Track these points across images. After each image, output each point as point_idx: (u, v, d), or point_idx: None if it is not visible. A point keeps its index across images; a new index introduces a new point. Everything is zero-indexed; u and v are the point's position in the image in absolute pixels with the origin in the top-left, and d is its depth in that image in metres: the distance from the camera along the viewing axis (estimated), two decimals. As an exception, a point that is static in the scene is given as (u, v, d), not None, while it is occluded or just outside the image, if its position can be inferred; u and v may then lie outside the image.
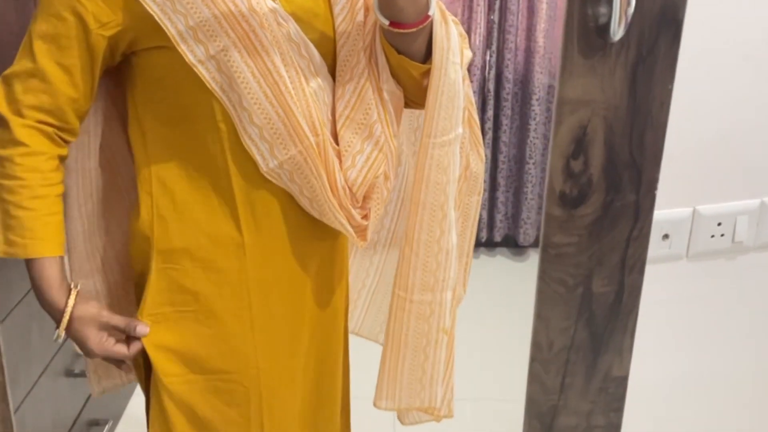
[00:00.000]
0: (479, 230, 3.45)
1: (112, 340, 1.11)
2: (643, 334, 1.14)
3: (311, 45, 1.08)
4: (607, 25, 0.86)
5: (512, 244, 3.51)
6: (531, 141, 3.38)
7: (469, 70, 3.14)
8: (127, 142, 1.18)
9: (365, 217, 1.18)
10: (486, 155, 3.28)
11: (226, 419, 1.15)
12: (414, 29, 1.04)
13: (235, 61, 1.02)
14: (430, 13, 1.01)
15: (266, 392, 1.17)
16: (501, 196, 3.38)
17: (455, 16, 3.30)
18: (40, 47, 1.02)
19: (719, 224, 1.16)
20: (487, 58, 3.16)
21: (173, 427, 1.15)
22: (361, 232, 1.18)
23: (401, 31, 1.05)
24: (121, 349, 1.11)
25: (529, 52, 3.16)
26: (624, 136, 0.93)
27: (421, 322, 1.20)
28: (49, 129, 1.05)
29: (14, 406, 1.12)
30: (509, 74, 3.16)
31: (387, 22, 1.03)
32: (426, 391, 1.23)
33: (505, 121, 3.25)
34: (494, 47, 3.14)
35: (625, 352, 1.03)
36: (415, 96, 1.16)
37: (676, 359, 1.22)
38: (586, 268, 0.99)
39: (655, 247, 1.11)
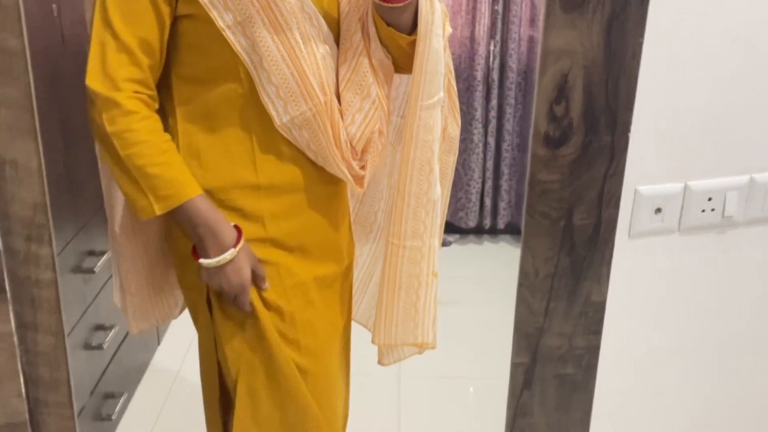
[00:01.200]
0: (483, 217, 3.55)
1: None
2: (636, 304, 1.21)
3: (320, 16, 1.21)
4: (585, -17, 0.98)
5: (515, 231, 3.61)
6: (534, 130, 3.48)
7: (473, 59, 3.25)
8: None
9: (363, 167, 1.32)
10: (490, 143, 3.39)
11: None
12: (401, 4, 1.18)
13: (258, 28, 1.15)
14: None
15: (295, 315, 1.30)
16: (504, 184, 3.47)
17: (460, 6, 3.41)
18: (120, 26, 1.13)
19: (710, 199, 1.18)
20: (491, 48, 3.25)
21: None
22: (359, 180, 1.32)
23: (390, 5, 1.18)
24: (248, 305, 1.25)
25: (532, 42, 3.25)
26: (600, 83, 1.03)
27: (413, 265, 1.32)
28: (144, 96, 1.17)
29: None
30: (513, 64, 3.26)
31: None
32: (419, 328, 1.36)
33: (509, 110, 3.35)
34: (498, 37, 3.23)
35: (602, 279, 1.12)
36: (403, 63, 1.30)
37: (667, 329, 1.25)
38: (568, 202, 1.09)
39: (648, 220, 1.16)
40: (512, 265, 1.17)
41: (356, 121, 1.27)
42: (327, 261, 1.36)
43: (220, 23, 1.15)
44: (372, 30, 1.26)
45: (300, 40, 1.18)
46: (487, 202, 3.50)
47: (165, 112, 1.26)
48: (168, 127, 1.25)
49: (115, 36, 1.13)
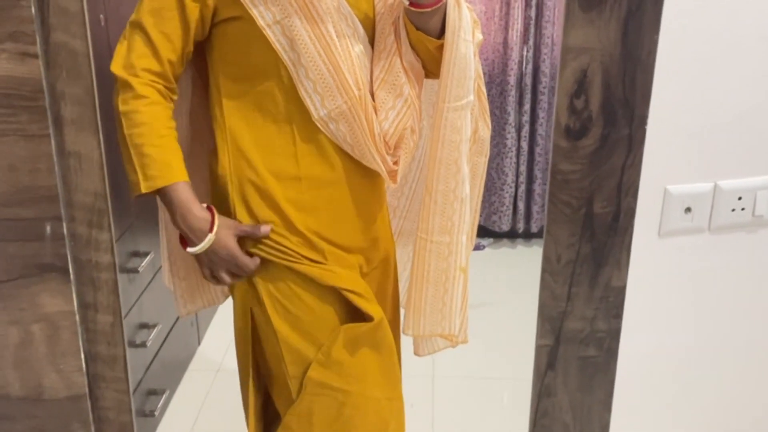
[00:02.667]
0: (516, 221, 3.55)
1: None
2: (665, 302, 1.24)
3: (356, 18, 1.28)
4: (602, -16, 1.04)
5: (549, 235, 3.63)
6: (567, 134, 3.49)
7: (506, 64, 3.29)
8: (208, 103, 1.41)
9: (396, 162, 1.38)
10: (523, 148, 3.42)
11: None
12: (429, 9, 1.24)
13: (296, 26, 1.23)
14: None
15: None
16: (538, 188, 3.48)
17: (493, 12, 3.43)
18: (148, 20, 1.24)
19: (740, 198, 1.18)
20: (524, 53, 3.27)
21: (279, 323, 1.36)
22: (392, 174, 1.39)
23: (418, 10, 1.25)
24: (249, 262, 1.32)
25: (564, 47, 3.29)
26: (618, 78, 1.08)
27: (440, 260, 1.38)
28: (160, 86, 1.27)
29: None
30: (546, 68, 3.27)
31: (407, 2, 1.24)
32: (446, 321, 1.41)
33: (542, 114, 3.36)
34: (531, 42, 3.25)
35: (622, 265, 1.17)
36: (431, 66, 1.36)
37: (696, 327, 1.27)
38: (588, 191, 1.14)
39: (677, 219, 1.18)
40: (545, 269, 1.20)
41: (389, 117, 1.34)
42: (363, 253, 1.43)
43: (260, 22, 1.24)
44: (403, 34, 1.33)
45: (335, 37, 1.26)
46: (521, 206, 3.50)
47: (215, 112, 1.35)
48: (218, 125, 1.34)
49: (142, 29, 1.24)
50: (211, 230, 1.28)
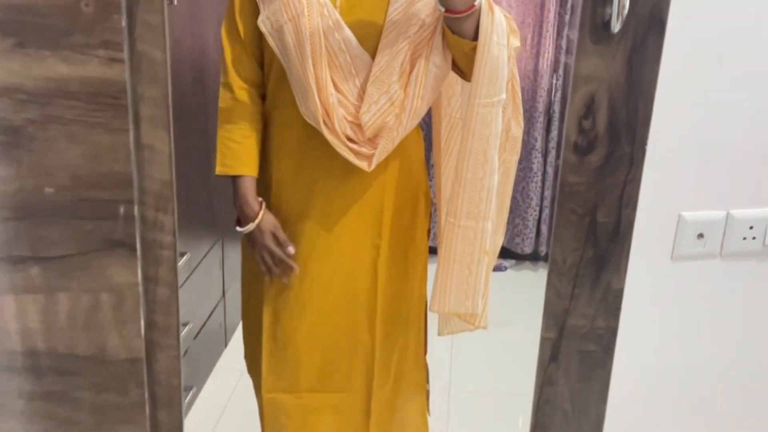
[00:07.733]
0: (539, 244, 3.56)
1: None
2: (675, 323, 1.28)
3: (347, 30, 1.46)
4: (610, 21, 1.13)
5: (571, 258, 3.65)
6: (592, 161, 3.52)
7: (536, 92, 3.38)
8: None
9: (371, 148, 1.53)
10: (548, 173, 3.46)
11: None
12: (463, 14, 1.37)
13: (287, 36, 1.44)
14: (476, 3, 1.35)
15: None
16: (563, 213, 3.54)
17: (525, 41, 3.51)
18: (246, 33, 1.50)
19: (751, 227, 1.20)
20: (554, 81, 3.33)
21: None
22: (366, 158, 1.53)
23: (453, 15, 1.38)
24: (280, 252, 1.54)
25: (592, 78, 3.34)
26: (622, 103, 1.17)
27: (466, 243, 1.50)
28: (254, 92, 1.52)
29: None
30: None
31: (443, 9, 1.37)
32: (470, 300, 1.53)
33: (568, 141, 3.43)
34: (561, 71, 3.31)
35: (621, 269, 1.25)
36: (465, 67, 1.48)
37: (704, 348, 1.30)
38: (592, 202, 1.20)
39: (690, 245, 1.22)
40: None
41: (371, 110, 1.49)
42: (355, 240, 1.61)
43: (263, 29, 1.47)
44: (438, 38, 1.46)
45: (308, 55, 1.45)
46: (544, 229, 3.53)
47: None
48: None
49: (240, 41, 1.51)
50: (254, 220, 1.51)
